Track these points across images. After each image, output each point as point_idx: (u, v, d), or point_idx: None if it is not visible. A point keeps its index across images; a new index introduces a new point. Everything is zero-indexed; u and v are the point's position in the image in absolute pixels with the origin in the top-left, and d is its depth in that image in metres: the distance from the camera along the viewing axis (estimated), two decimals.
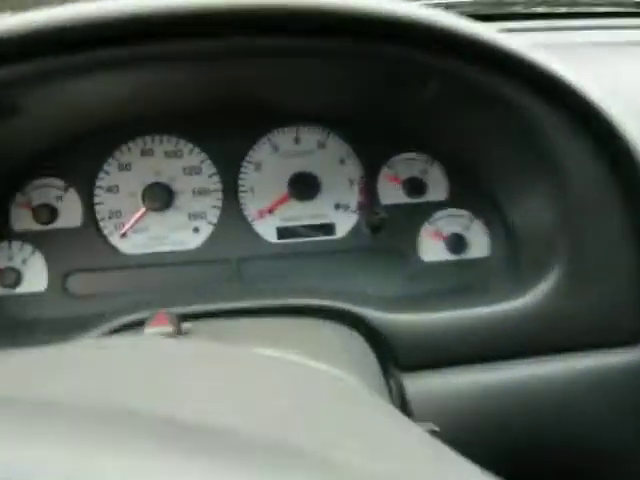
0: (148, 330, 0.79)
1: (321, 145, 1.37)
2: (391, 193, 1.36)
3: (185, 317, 0.93)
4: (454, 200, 1.37)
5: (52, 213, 1.30)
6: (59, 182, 1.32)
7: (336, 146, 1.37)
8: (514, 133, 1.02)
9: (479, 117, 1.16)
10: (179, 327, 0.80)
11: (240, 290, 1.28)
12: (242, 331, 0.89)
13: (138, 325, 0.99)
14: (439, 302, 1.18)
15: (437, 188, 1.38)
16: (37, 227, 1.30)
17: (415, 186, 1.36)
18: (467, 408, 1.09)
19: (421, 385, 1.12)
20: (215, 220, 1.34)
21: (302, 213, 1.35)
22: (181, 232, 1.34)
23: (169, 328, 0.80)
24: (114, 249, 1.32)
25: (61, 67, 0.92)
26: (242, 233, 1.33)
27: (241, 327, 0.93)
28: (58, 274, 1.30)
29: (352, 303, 1.10)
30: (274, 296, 1.13)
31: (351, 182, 1.37)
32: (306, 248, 1.34)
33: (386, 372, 0.98)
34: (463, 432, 1.02)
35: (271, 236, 1.35)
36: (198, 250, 1.33)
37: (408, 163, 1.38)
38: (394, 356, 1.10)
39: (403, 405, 1.06)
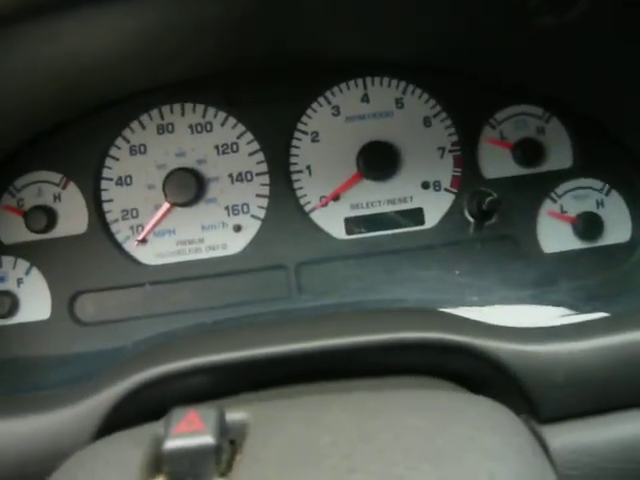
0: (171, 443, 0.47)
1: (398, 103, 1.05)
2: (498, 163, 1.04)
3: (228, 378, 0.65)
4: (582, 167, 1.05)
5: (50, 218, 1.02)
6: (55, 175, 1.04)
7: (418, 103, 1.05)
8: None
9: (627, 49, 0.83)
10: (220, 432, 0.48)
11: (302, 310, 0.98)
12: (330, 416, 0.56)
13: (171, 381, 0.68)
14: (583, 324, 0.84)
15: (559, 152, 1.05)
16: (32, 237, 1.03)
17: (530, 151, 1.03)
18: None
19: (569, 440, 0.79)
20: (262, 214, 1.03)
21: (378, 197, 1.04)
22: (218, 232, 1.04)
23: (205, 438, 0.48)
24: (132, 260, 1.04)
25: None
26: (299, 229, 1.03)
27: (321, 406, 0.60)
28: (63, 297, 1.03)
29: (466, 333, 0.76)
30: (354, 323, 0.80)
31: (442, 151, 1.05)
32: (385, 244, 1.03)
33: None
34: None
35: (338, 230, 1.04)
36: (242, 255, 1.03)
37: (518, 120, 1.05)
38: (531, 405, 0.77)
39: None
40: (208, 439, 0.50)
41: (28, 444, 0.68)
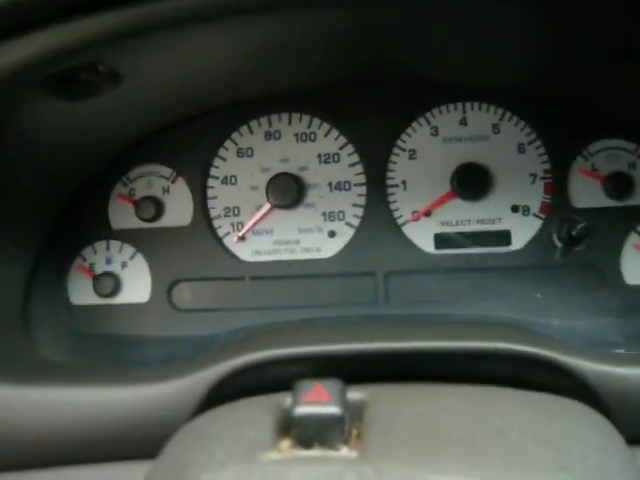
0: (301, 409, 0.52)
1: (495, 128, 1.08)
2: (588, 193, 1.06)
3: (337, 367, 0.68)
4: None
5: (157, 208, 1.09)
6: (166, 170, 1.10)
7: (514, 130, 1.08)
8: None
9: None
10: (344, 404, 0.53)
11: (387, 316, 1.01)
12: (440, 407, 0.60)
13: (262, 369, 0.72)
14: None
15: None
16: (140, 225, 1.09)
17: (620, 185, 1.05)
18: None
19: None
20: (357, 222, 1.08)
21: (468, 216, 1.07)
22: (314, 236, 1.09)
23: (332, 408, 0.52)
24: (230, 255, 1.09)
25: (167, 14, 0.68)
26: (390, 240, 1.07)
27: (433, 397, 0.64)
28: (163, 283, 1.08)
29: (551, 348, 0.79)
30: (440, 331, 0.83)
31: (533, 177, 1.07)
32: (472, 262, 1.06)
33: None
34: None
35: (427, 244, 1.08)
36: (334, 259, 1.08)
37: (610, 153, 1.07)
38: (614, 424, 0.78)
39: None
40: (335, 409, 0.53)
41: (135, 411, 0.72)
